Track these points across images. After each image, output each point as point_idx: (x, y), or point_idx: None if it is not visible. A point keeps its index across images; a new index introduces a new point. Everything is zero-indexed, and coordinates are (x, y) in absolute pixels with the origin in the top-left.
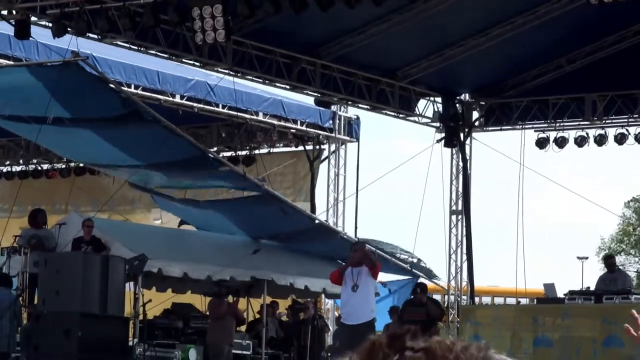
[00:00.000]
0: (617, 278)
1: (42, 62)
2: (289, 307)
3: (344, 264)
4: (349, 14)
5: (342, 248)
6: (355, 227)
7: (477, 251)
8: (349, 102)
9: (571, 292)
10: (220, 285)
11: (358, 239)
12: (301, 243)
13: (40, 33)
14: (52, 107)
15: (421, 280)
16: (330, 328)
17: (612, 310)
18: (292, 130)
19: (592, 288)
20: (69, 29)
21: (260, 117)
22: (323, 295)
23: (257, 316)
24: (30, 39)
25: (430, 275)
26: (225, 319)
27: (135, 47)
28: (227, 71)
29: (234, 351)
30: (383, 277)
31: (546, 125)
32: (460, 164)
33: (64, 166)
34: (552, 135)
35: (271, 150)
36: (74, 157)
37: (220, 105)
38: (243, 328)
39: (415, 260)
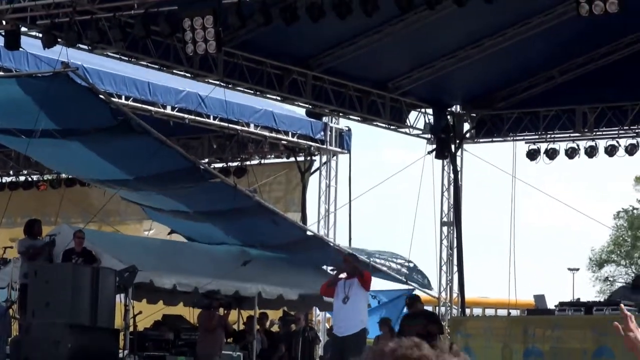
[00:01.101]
0: None
1: (32, 73)
2: (280, 319)
3: (332, 274)
4: (340, 25)
5: (334, 259)
6: (350, 238)
7: (467, 262)
8: (340, 114)
9: (561, 304)
10: (211, 298)
11: (350, 250)
12: (293, 254)
13: (31, 43)
14: (41, 119)
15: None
16: (322, 339)
17: (602, 321)
18: (283, 142)
19: (583, 299)
20: (59, 40)
21: (252, 129)
22: (315, 307)
23: (243, 327)
24: (20, 49)
25: (424, 285)
26: (215, 331)
27: (126, 58)
28: (218, 82)
29: None
30: (376, 286)
31: (537, 137)
32: (452, 175)
33: (54, 177)
34: (543, 146)
35: (262, 162)
36: (63, 170)
37: (212, 117)
38: (230, 339)
39: (411, 266)
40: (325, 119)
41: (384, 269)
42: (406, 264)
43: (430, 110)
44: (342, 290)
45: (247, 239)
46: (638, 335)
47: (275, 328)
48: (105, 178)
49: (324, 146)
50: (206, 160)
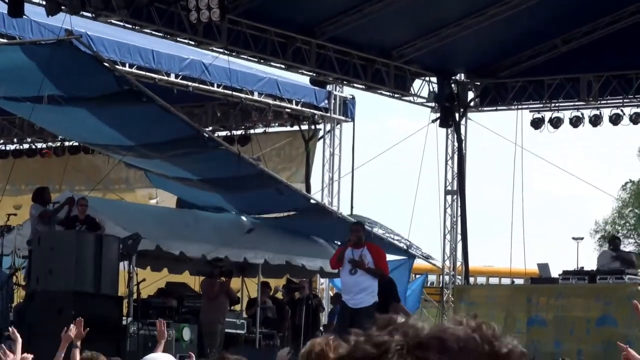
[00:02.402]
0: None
1: (36, 40)
2: (284, 287)
3: (339, 245)
4: None
5: (338, 228)
6: (352, 207)
7: (472, 231)
8: (344, 82)
9: (565, 272)
10: (213, 266)
11: (355, 218)
12: (296, 222)
13: (34, 11)
14: (45, 86)
15: (417, 259)
16: (325, 307)
17: (605, 290)
18: (287, 110)
19: (587, 268)
20: (62, 7)
21: (256, 97)
22: (318, 275)
23: (250, 296)
24: (24, 17)
25: (426, 255)
26: (218, 299)
27: (130, 26)
28: (222, 50)
29: (228, 330)
30: None
31: (541, 105)
32: (456, 144)
33: (58, 145)
34: (547, 115)
35: (266, 130)
36: (68, 135)
37: (215, 85)
38: (238, 307)
39: (410, 243)
40: (329, 87)
41: (386, 237)
42: (404, 240)
43: (434, 79)
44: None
45: (251, 207)
46: None
47: (279, 295)
48: (109, 143)
49: (328, 114)
50: (210, 128)
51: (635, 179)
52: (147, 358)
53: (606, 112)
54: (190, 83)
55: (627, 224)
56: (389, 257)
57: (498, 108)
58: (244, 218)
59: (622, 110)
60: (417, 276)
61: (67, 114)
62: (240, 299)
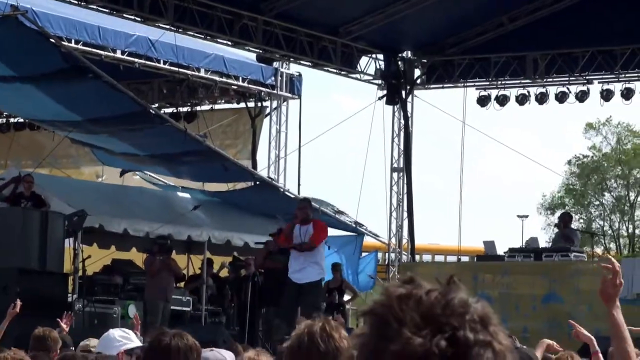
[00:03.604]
0: (569, 235)
1: None
2: (230, 264)
3: (287, 224)
4: None
5: (284, 204)
6: (299, 184)
7: (418, 209)
8: (291, 59)
9: (511, 250)
10: (154, 243)
11: (302, 197)
12: (242, 199)
13: None
14: None
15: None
16: None
17: (551, 267)
18: (233, 87)
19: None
20: None
21: (202, 74)
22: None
23: (198, 272)
24: None
25: (372, 233)
26: (160, 276)
27: (76, 2)
28: (168, 27)
29: (174, 307)
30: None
31: (488, 83)
32: (402, 121)
33: (3, 122)
34: (494, 93)
35: (213, 107)
36: (13, 111)
37: (162, 61)
38: (182, 284)
39: (355, 222)
40: (275, 64)
41: (333, 214)
42: (351, 219)
43: (381, 56)
44: (299, 237)
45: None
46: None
47: (224, 272)
48: (56, 119)
49: (275, 91)
50: (156, 105)
51: (580, 156)
52: (208, 355)
53: (552, 90)
54: (136, 60)
55: (573, 200)
56: (339, 232)
57: (444, 85)
58: (189, 195)
59: (568, 88)
60: (365, 254)
61: (12, 90)
62: (185, 276)
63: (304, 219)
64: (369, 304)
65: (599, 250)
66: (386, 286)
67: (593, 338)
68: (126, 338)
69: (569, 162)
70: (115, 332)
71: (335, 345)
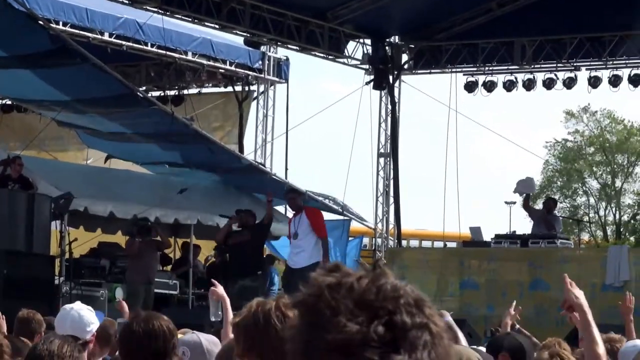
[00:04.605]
0: (550, 221)
1: None
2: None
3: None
4: None
5: (272, 188)
6: (286, 169)
7: (405, 195)
8: (279, 43)
9: (497, 236)
10: (134, 225)
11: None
12: (230, 181)
13: None
14: None
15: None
16: None
17: (538, 254)
18: (221, 71)
19: (519, 232)
20: None
21: (190, 57)
22: None
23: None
24: None
25: (360, 216)
26: (141, 258)
27: None
28: (156, 9)
29: (160, 291)
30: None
31: (475, 69)
32: (389, 106)
33: None
34: (481, 79)
35: (200, 91)
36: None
37: (149, 44)
38: (169, 268)
39: (344, 204)
40: (263, 48)
41: (320, 199)
42: (339, 202)
43: (368, 41)
44: (293, 226)
45: (185, 160)
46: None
47: (212, 261)
48: (44, 99)
49: (262, 75)
50: (144, 88)
51: (561, 141)
52: (184, 338)
53: (540, 77)
54: (124, 42)
55: (555, 186)
56: (327, 216)
57: (432, 71)
58: (176, 177)
59: (555, 75)
60: (351, 239)
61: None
62: (172, 244)
63: (296, 209)
64: (298, 294)
65: (585, 237)
66: (313, 276)
67: (584, 304)
68: (91, 316)
69: (550, 146)
70: (80, 310)
71: None
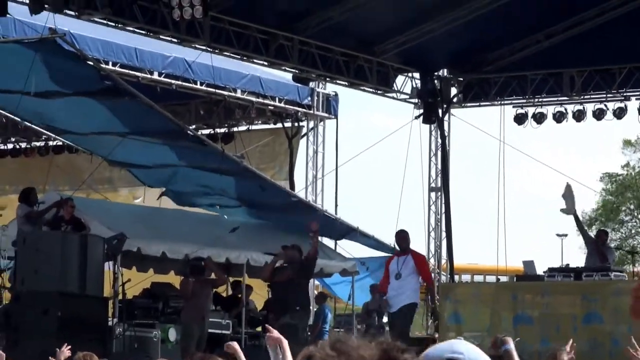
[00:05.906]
0: (604, 253)
1: (20, 39)
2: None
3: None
4: None
5: (325, 225)
6: (336, 204)
7: (456, 228)
8: (327, 79)
9: (550, 269)
10: (187, 265)
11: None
12: (281, 220)
13: (18, 10)
14: (31, 81)
15: None
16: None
17: (591, 287)
18: (270, 107)
19: (572, 265)
20: (46, 6)
21: (239, 94)
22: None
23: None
24: (8, 15)
25: None
26: (195, 298)
27: (113, 24)
28: (204, 47)
29: (213, 331)
30: (364, 253)
31: (524, 101)
32: (439, 140)
33: (42, 144)
34: (531, 111)
35: (250, 128)
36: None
37: (199, 82)
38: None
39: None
40: (312, 84)
41: (372, 235)
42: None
43: (417, 75)
44: (396, 267)
45: (237, 197)
46: None
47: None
48: (104, 130)
49: (311, 111)
50: (193, 126)
51: (613, 173)
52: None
53: (589, 107)
54: (173, 81)
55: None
56: (377, 253)
57: (481, 104)
58: (227, 217)
59: (605, 105)
60: None
61: (53, 106)
62: (227, 280)
63: (403, 249)
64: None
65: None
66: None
67: None
68: None
69: (602, 179)
70: None
71: None
